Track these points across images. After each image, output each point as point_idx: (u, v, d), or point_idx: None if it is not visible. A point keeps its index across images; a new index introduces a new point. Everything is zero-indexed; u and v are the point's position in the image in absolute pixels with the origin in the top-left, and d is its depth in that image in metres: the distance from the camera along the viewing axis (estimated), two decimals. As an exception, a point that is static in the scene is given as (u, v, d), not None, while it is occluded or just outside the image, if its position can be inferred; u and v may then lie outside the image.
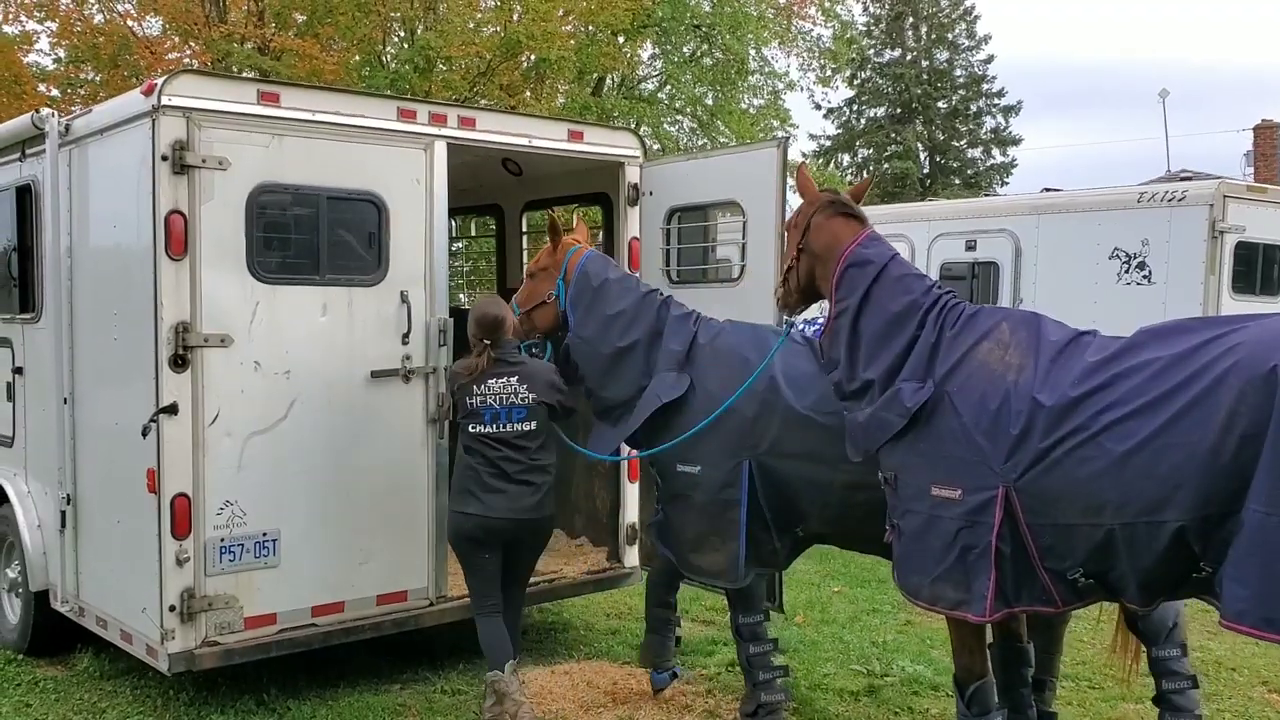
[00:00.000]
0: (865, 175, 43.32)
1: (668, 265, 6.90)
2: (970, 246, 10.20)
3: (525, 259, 8.73)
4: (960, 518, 4.22)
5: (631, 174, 7.02)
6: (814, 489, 5.17)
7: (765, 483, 5.23)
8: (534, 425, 5.57)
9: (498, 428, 5.51)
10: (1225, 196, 8.72)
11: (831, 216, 4.85)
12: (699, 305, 6.53)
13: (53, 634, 6.65)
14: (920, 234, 10.68)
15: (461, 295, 11.44)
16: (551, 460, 5.69)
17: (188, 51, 22.15)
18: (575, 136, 6.86)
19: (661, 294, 5.88)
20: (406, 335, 6.08)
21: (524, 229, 8.68)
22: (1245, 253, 8.95)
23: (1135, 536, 3.87)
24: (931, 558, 4.33)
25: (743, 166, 6.45)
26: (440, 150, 6.18)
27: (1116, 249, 9.14)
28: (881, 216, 11.69)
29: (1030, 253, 9.78)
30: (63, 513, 6.18)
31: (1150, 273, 8.95)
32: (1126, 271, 9.09)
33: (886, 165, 42.97)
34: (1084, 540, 4.01)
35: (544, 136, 6.74)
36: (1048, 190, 11.01)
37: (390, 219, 6.00)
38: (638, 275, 6.45)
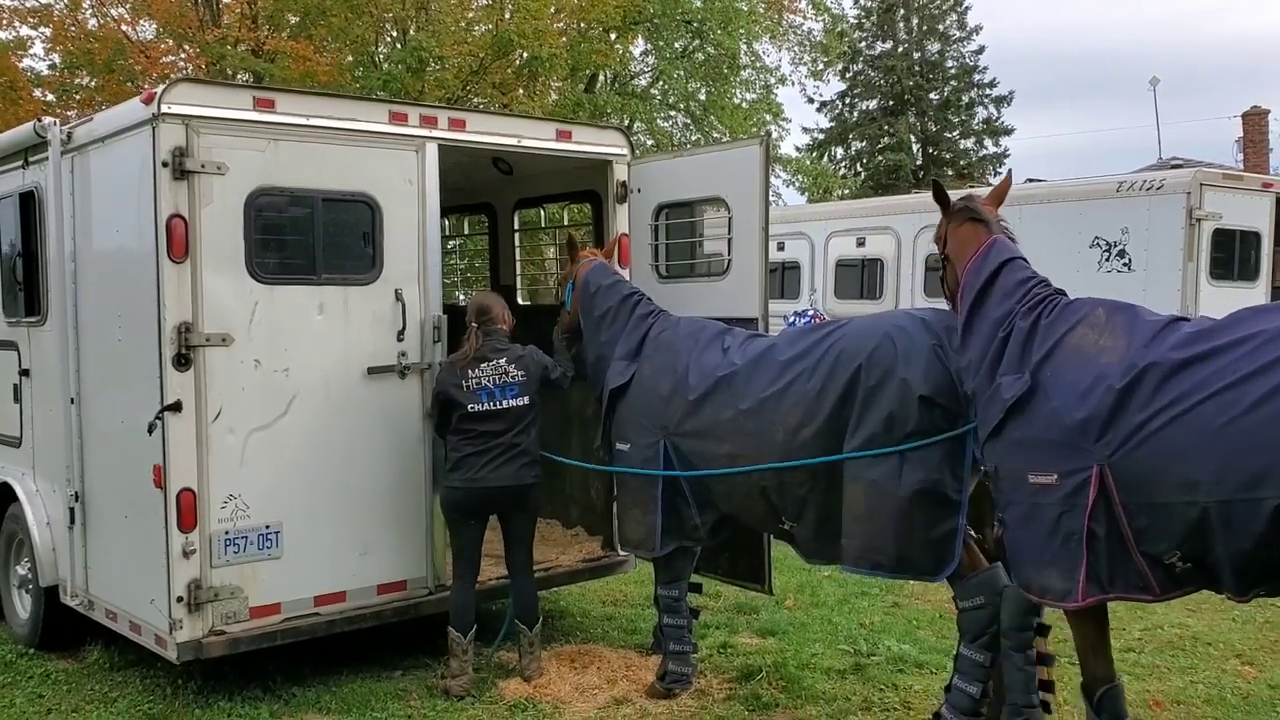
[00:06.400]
0: (859, 167, 43.51)
1: (656, 261, 7.08)
2: (955, 237, 10.37)
3: (517, 256, 8.92)
4: (1060, 502, 4.14)
5: (620, 172, 7.19)
6: (708, 465, 5.60)
7: (679, 460, 5.70)
8: (526, 400, 6.11)
9: (494, 405, 6.02)
10: (1202, 185, 8.89)
11: (961, 224, 4.92)
12: (688, 299, 6.74)
13: (62, 628, 6.83)
14: (906, 226, 10.86)
15: (459, 293, 11.62)
16: (535, 432, 6.19)
17: (182, 55, 22.30)
18: (564, 136, 7.04)
19: (639, 296, 6.35)
20: (402, 332, 6.26)
21: (516, 227, 8.86)
22: (1222, 239, 9.12)
23: (1232, 515, 3.72)
24: (1036, 547, 4.26)
25: (727, 163, 6.62)
26: (431, 151, 6.36)
27: (1097, 237, 9.31)
28: (868, 210, 11.90)
29: (1013, 243, 9.94)
30: (71, 510, 6.36)
31: (1130, 260, 9.13)
32: (1107, 259, 9.27)
33: (879, 157, 43.10)
34: (1179, 520, 3.86)
35: (533, 136, 6.92)
36: (1031, 181, 11.17)
37: (384, 219, 6.19)
38: (625, 278, 6.71)
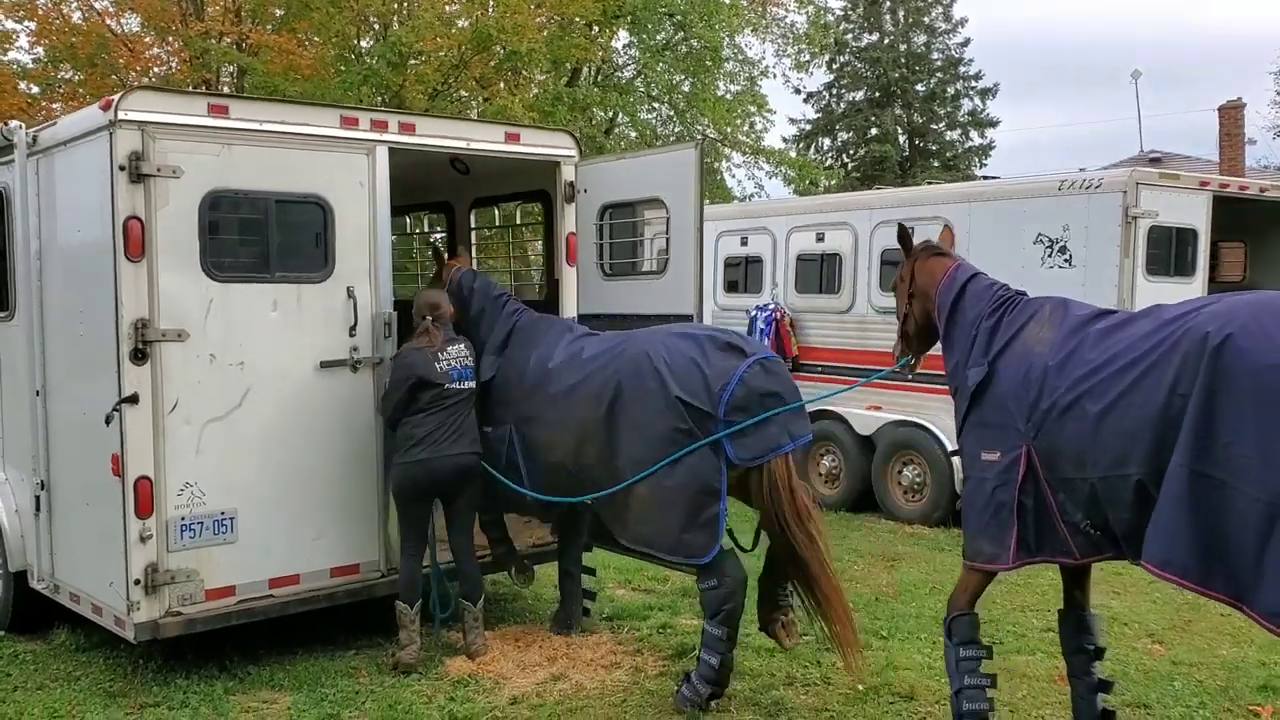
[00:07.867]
0: (845, 159, 43.75)
1: (601, 259, 7.38)
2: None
3: (474, 253, 9.22)
4: (996, 477, 4.74)
5: (567, 173, 7.49)
6: (533, 448, 6.41)
7: (520, 443, 6.50)
8: (474, 383, 6.59)
9: (461, 385, 6.46)
10: (1139, 184, 9.18)
11: (927, 259, 5.49)
12: (630, 296, 7.06)
13: (31, 612, 7.13)
14: (863, 222, 11.14)
15: (423, 286, 11.91)
16: (473, 413, 6.67)
17: (166, 49, 22.52)
18: (512, 139, 7.33)
19: (507, 296, 7.04)
20: (354, 328, 6.56)
21: (472, 224, 9.15)
22: (1158, 236, 9.40)
23: (1110, 489, 4.32)
24: (978, 516, 4.85)
25: (665, 166, 6.93)
26: (382, 155, 6.64)
27: (1040, 234, 9.60)
28: (827, 206, 12.17)
29: (963, 238, 10.19)
30: (37, 498, 6.66)
31: (1071, 256, 9.42)
32: (1049, 256, 9.56)
33: (866, 149, 43.37)
34: (1080, 494, 4.46)
35: (482, 139, 7.21)
36: (986, 179, 11.43)
37: (335, 220, 6.48)
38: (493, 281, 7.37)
